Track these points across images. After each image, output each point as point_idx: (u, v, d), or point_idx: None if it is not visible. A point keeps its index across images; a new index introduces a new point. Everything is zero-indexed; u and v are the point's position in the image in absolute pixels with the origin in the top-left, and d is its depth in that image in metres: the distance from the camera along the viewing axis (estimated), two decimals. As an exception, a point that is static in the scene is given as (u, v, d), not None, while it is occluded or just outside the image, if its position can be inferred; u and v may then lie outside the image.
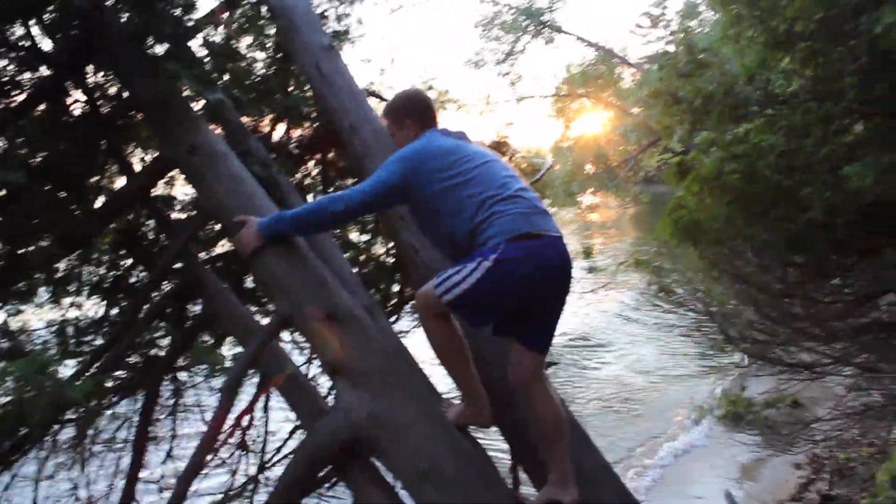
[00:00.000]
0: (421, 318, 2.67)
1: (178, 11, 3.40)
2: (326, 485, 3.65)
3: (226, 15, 4.03)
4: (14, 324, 3.93)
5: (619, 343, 13.17)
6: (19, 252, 3.34)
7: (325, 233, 3.32)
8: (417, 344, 3.16)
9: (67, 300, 4.09)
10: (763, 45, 4.66)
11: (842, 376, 6.56)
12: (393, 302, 4.66)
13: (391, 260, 4.74)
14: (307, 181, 4.76)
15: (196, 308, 4.12)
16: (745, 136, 4.91)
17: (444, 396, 2.96)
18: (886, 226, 4.50)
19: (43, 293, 3.98)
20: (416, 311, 2.69)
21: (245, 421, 4.44)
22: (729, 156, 4.86)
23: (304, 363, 4.63)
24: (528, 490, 3.26)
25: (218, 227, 4.00)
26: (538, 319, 2.66)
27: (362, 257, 4.74)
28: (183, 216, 4.23)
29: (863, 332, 5.34)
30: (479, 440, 2.82)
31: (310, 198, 4.70)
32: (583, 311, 13.92)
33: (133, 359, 3.96)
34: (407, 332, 4.62)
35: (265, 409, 4.65)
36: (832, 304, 5.63)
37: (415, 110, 2.87)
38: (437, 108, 2.95)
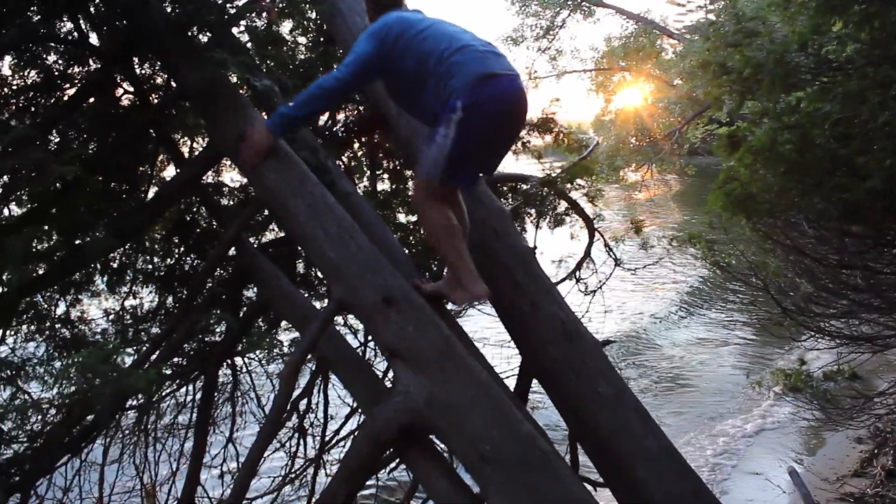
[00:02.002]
0: (418, 211, 3.00)
1: (221, 0, 3.40)
2: (388, 467, 3.66)
3: (267, 0, 4.02)
4: (73, 313, 4.01)
5: (669, 322, 13.03)
6: (75, 243, 3.38)
7: (361, 200, 3.52)
8: (473, 325, 3.18)
9: (124, 289, 4.16)
10: (814, 10, 4.53)
11: (905, 348, 6.41)
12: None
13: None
14: (353, 164, 4.76)
15: (251, 294, 4.16)
16: (797, 105, 4.79)
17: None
18: (951, 192, 4.36)
19: (100, 283, 4.05)
20: (413, 205, 3.03)
21: (303, 405, 4.52)
22: (782, 125, 4.74)
23: (361, 346, 4.66)
24: (588, 471, 3.25)
25: (267, 213, 4.03)
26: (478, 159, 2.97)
27: (411, 239, 4.73)
28: (232, 202, 4.26)
29: (926, 302, 5.20)
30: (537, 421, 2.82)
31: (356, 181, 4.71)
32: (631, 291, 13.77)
33: (191, 346, 4.01)
34: (460, 313, 4.62)
35: (324, 392, 4.68)
36: (893, 275, 5.48)
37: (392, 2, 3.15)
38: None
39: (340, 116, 4.46)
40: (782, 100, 4.92)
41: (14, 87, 3.32)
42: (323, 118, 4.41)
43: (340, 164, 4.47)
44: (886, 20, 4.22)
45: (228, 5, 3.45)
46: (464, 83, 2.69)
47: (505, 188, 4.55)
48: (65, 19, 3.37)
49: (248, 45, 3.79)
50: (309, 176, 2.92)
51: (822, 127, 4.54)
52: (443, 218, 2.86)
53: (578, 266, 4.64)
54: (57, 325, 3.89)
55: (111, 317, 4.20)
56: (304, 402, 4.64)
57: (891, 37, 4.24)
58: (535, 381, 3.35)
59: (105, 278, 4.01)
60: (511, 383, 3.51)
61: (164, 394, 4.27)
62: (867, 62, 4.42)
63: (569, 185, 4.51)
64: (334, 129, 4.40)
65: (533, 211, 4.55)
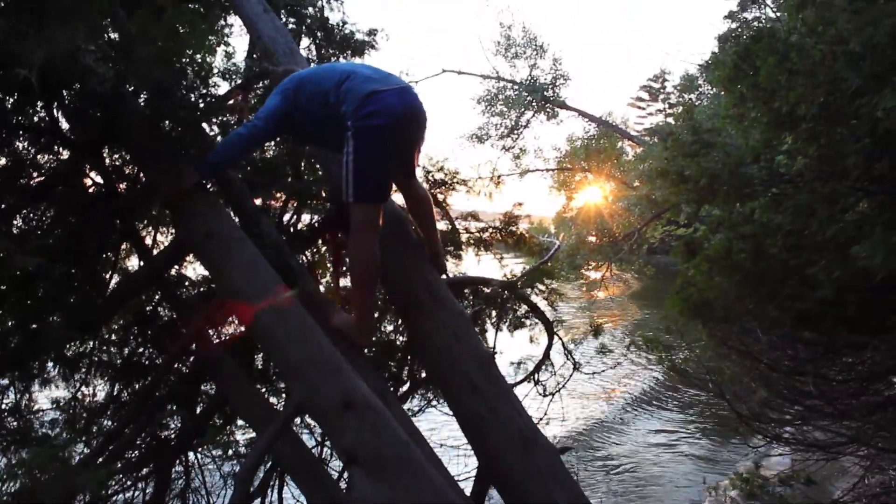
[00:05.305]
0: (353, 238, 3.14)
1: (194, 98, 3.47)
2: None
3: (239, 98, 4.11)
4: (22, 402, 3.91)
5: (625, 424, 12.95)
6: (31, 331, 3.33)
7: None
8: (431, 427, 3.18)
9: (77, 377, 4.07)
10: (766, 125, 4.74)
11: (857, 456, 6.46)
12: (405, 387, 4.58)
13: (401, 339, 4.72)
14: (317, 259, 4.77)
15: (208, 388, 4.10)
16: (751, 215, 4.95)
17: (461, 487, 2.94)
18: (897, 304, 4.50)
19: (51, 370, 3.97)
20: (352, 235, 3.17)
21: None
22: (736, 235, 4.89)
23: (317, 445, 4.58)
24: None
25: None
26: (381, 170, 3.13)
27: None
28: (194, 291, 4.24)
29: (877, 410, 5.28)
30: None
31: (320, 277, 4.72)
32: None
33: (144, 441, 3.92)
34: (417, 413, 4.61)
35: (279, 493, 4.58)
36: (845, 382, 5.58)
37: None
38: None
39: (306, 216, 4.51)
40: (737, 209, 5.09)
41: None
42: (287, 216, 4.46)
43: (303, 259, 4.50)
44: (832, 138, 4.43)
45: (201, 102, 3.52)
46: (352, 107, 3.00)
47: (467, 291, 4.60)
48: (38, 107, 3.41)
49: (219, 138, 3.85)
50: (273, 278, 2.95)
51: (774, 237, 4.69)
52: (369, 254, 3.11)
53: (537, 368, 4.66)
54: (5, 415, 3.79)
55: (62, 404, 4.10)
56: (258, 502, 4.52)
57: (837, 154, 4.44)
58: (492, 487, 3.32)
59: (58, 367, 3.93)
60: (468, 486, 3.48)
61: (111, 491, 4.14)
62: (816, 177, 4.61)
63: (529, 289, 4.58)
64: (299, 227, 4.44)
65: (493, 313, 4.59)
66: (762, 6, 21.68)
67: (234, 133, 3.20)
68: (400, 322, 4.66)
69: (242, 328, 4.03)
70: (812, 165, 4.71)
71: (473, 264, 4.90)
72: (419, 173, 3.60)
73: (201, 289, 4.18)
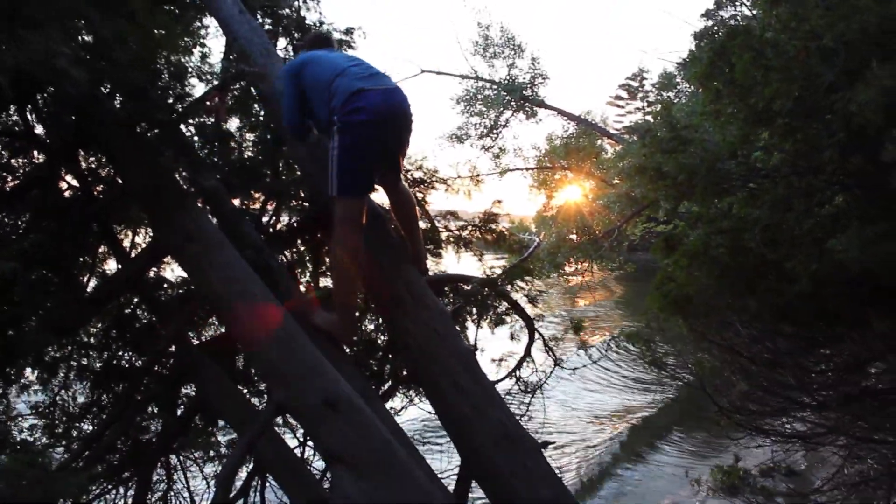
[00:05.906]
0: (336, 234, 3.17)
1: (171, 99, 3.45)
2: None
3: (216, 99, 4.08)
4: (-1, 407, 3.87)
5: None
6: (7, 336, 3.29)
7: None
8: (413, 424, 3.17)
9: (55, 381, 4.03)
10: (743, 120, 4.77)
11: (836, 446, 6.53)
12: (387, 385, 4.57)
13: (383, 337, 4.71)
14: (296, 258, 4.76)
15: (189, 390, 4.07)
16: (728, 211, 4.99)
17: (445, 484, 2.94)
18: (873, 296, 4.54)
19: (29, 375, 3.92)
20: (335, 230, 3.19)
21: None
22: (714, 230, 4.92)
23: (300, 445, 4.56)
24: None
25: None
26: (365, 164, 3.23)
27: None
28: (173, 293, 4.20)
29: (854, 400, 5.33)
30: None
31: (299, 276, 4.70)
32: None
33: (125, 444, 3.88)
34: (399, 411, 4.60)
35: (261, 493, 4.56)
36: (823, 374, 5.63)
37: (315, 43, 3.77)
38: (330, 39, 3.86)
39: (285, 217, 4.49)
40: (715, 205, 5.12)
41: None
42: (266, 216, 4.44)
43: (283, 258, 4.48)
44: (808, 133, 4.46)
45: (178, 105, 3.50)
46: (339, 102, 3.12)
47: (447, 289, 4.59)
48: (11, 111, 3.37)
49: (195, 138, 3.82)
50: (252, 278, 2.93)
51: (752, 232, 4.72)
52: (356, 253, 3.16)
53: (518, 365, 4.67)
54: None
55: (41, 409, 4.06)
56: (241, 503, 4.50)
57: (812, 148, 4.48)
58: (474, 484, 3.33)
59: (36, 372, 3.89)
60: (451, 483, 3.48)
61: (92, 495, 4.11)
62: (792, 171, 4.65)
63: (509, 287, 4.59)
64: (278, 227, 4.42)
65: (474, 310, 4.59)
66: (738, 4, 21.82)
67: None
68: (381, 320, 4.65)
69: (223, 329, 4.02)
70: (788, 160, 4.75)
71: (453, 262, 4.92)
72: (399, 173, 3.61)
73: (180, 291, 4.15)
